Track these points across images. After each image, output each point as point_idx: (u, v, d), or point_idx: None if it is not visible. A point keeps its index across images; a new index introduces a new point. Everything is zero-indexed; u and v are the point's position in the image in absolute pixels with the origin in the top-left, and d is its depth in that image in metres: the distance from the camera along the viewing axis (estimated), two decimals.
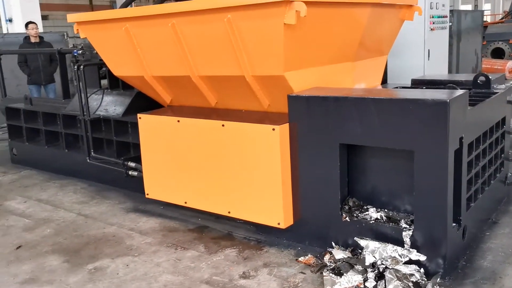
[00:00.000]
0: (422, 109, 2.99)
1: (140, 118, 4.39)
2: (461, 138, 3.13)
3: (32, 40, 8.72)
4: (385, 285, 2.92)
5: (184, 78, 4.18)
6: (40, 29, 10.75)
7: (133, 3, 8.58)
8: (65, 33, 10.90)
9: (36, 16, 11.68)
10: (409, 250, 3.11)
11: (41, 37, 8.94)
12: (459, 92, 3.18)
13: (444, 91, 3.34)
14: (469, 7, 41.73)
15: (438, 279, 3.00)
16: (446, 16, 8.12)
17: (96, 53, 4.94)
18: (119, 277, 3.37)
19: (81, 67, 5.04)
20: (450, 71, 9.31)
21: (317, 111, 3.45)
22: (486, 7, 45.82)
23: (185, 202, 4.19)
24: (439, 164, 2.98)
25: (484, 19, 29.05)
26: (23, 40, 8.82)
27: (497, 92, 4.05)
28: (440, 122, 2.93)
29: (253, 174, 3.69)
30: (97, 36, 4.61)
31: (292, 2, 3.24)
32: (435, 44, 7.70)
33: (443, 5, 7.94)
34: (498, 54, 14.80)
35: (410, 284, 2.92)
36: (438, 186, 3.00)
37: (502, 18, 17.87)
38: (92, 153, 5.20)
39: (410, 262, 3.10)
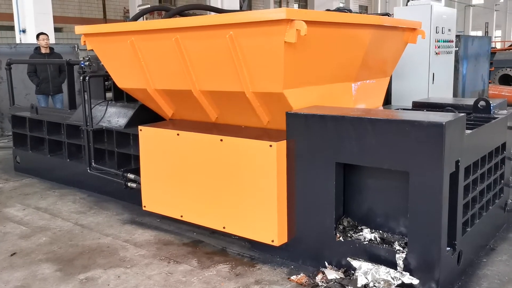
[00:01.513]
0: (418, 130, 2.99)
1: (141, 130, 4.43)
2: (457, 162, 3.12)
3: (43, 51, 8.85)
4: None
5: (186, 92, 4.22)
6: (52, 41, 10.94)
7: (145, 17, 8.70)
8: (76, 45, 11.07)
9: (49, 27, 11.87)
10: (401, 273, 3.08)
11: (51, 48, 9.08)
12: (456, 115, 3.18)
13: (442, 114, 3.34)
14: (479, 33, 41.92)
15: None
16: (452, 41, 8.16)
17: (102, 65, 5.02)
18: None
19: (87, 78, 5.10)
20: (456, 96, 9.33)
21: (315, 129, 3.46)
22: (497, 33, 45.98)
23: (181, 216, 4.19)
24: (433, 186, 2.96)
25: (494, 46, 29.12)
26: (34, 50, 8.96)
27: (497, 117, 4.04)
28: (435, 144, 2.92)
29: (249, 190, 3.69)
30: (103, 48, 4.68)
31: (293, 21, 3.28)
32: (440, 68, 7.73)
33: (449, 30, 7.99)
34: (506, 80, 14.79)
35: None
36: (432, 209, 2.98)
37: (511, 45, 17.89)
38: (93, 163, 5.23)
39: (403, 285, 3.07)
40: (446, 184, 2.99)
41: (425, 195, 3.00)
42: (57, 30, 15.13)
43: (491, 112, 4.15)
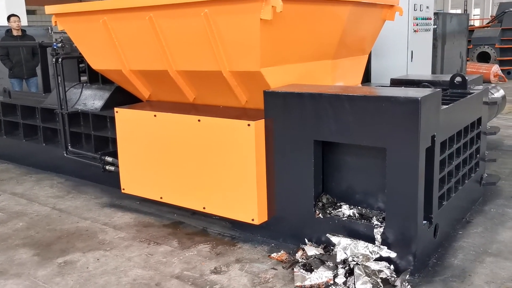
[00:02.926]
0: (394, 106, 3.00)
1: (117, 112, 4.35)
2: (433, 136, 3.15)
3: (14, 33, 8.60)
4: (354, 281, 2.91)
5: (162, 72, 4.15)
6: (24, 23, 10.63)
7: None
8: (49, 27, 10.78)
9: (20, 9, 11.54)
10: (379, 247, 3.12)
11: (23, 31, 8.82)
12: (432, 90, 3.19)
13: (418, 90, 3.35)
14: (458, 11, 42.18)
15: (407, 275, 3.00)
16: (430, 19, 8.17)
17: (76, 46, 4.89)
18: (88, 271, 3.33)
19: (60, 60, 4.98)
20: (434, 73, 9.39)
21: (293, 108, 3.45)
22: (476, 11, 46.34)
23: (161, 198, 4.16)
24: (410, 161, 2.98)
25: (472, 23, 29.33)
26: (5, 33, 8.69)
27: (473, 93, 4.08)
28: (411, 119, 2.93)
29: (228, 170, 3.67)
30: (75, 29, 4.56)
31: None
32: (418, 45, 7.74)
33: (427, 7, 7.98)
34: (484, 58, 14.95)
35: (379, 280, 2.92)
36: (408, 183, 3.01)
37: (488, 23, 18.06)
38: (70, 147, 5.14)
39: (381, 259, 3.11)
40: (422, 159, 3.02)
41: (402, 171, 3.02)
42: (30, 12, 14.72)
43: (467, 88, 4.19)
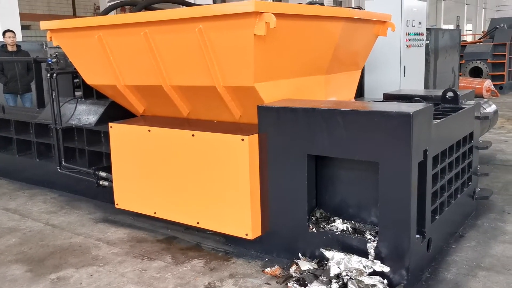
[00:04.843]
0: (386, 121, 3.03)
1: (111, 127, 4.36)
2: (425, 151, 3.17)
3: (9, 48, 8.63)
4: None
5: (157, 87, 4.17)
6: (19, 38, 10.66)
7: (116, 11, 8.57)
8: (44, 43, 10.81)
9: (15, 25, 11.56)
10: (373, 261, 3.12)
11: (18, 46, 8.86)
12: (424, 105, 3.23)
13: (410, 104, 3.39)
14: (451, 26, 42.74)
15: None
16: (423, 34, 8.28)
17: (71, 61, 4.92)
18: (81, 287, 3.31)
19: (54, 75, 4.99)
20: (427, 88, 9.48)
21: (286, 122, 3.47)
22: (468, 27, 46.97)
23: (155, 213, 4.15)
24: (402, 176, 3.00)
25: (465, 39, 29.65)
26: (0, 48, 8.72)
27: (464, 107, 4.12)
28: (403, 134, 2.96)
29: (222, 185, 3.68)
30: (70, 44, 4.59)
31: (262, 13, 3.27)
32: (411, 61, 7.84)
33: (420, 23, 8.10)
34: (476, 73, 15.12)
35: None
36: (401, 197, 3.03)
37: (480, 38, 18.29)
38: (63, 162, 5.13)
39: (374, 273, 3.11)
40: (415, 173, 3.04)
41: (395, 185, 3.04)
42: (25, 27, 14.77)
43: (459, 103, 4.24)
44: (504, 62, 14.74)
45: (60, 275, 3.50)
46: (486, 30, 19.40)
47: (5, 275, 3.54)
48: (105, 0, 22.46)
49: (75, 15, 25.91)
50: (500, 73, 14.79)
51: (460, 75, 13.97)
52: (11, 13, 11.89)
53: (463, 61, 15.09)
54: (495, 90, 14.12)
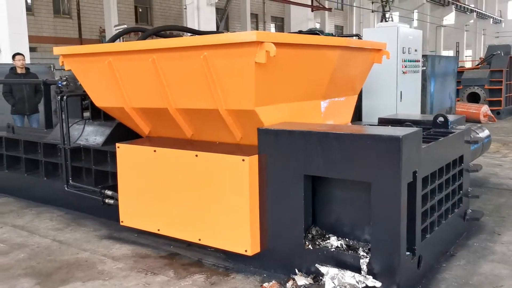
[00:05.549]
0: (378, 144, 3.24)
1: (118, 147, 4.57)
2: (414, 172, 3.37)
3: (19, 71, 8.93)
4: None
5: (162, 110, 4.40)
6: (28, 61, 10.99)
7: (122, 38, 8.90)
8: (51, 65, 11.15)
9: (24, 47, 11.92)
10: (365, 276, 3.29)
11: (27, 68, 9.16)
12: (413, 129, 3.44)
13: (400, 129, 3.60)
14: (451, 52, 43.36)
15: None
16: (419, 61, 8.58)
17: (80, 84, 5.16)
18: None
19: (64, 97, 5.23)
20: (424, 113, 9.73)
21: (285, 144, 3.68)
22: (468, 53, 47.62)
23: (158, 230, 4.33)
24: (392, 195, 3.20)
25: (463, 65, 30.03)
26: (9, 70, 9.03)
27: (454, 132, 4.33)
28: (393, 156, 3.17)
29: (223, 203, 3.87)
30: (81, 69, 4.84)
31: (263, 43, 3.52)
32: (407, 86, 8.12)
33: (416, 50, 8.40)
34: (474, 98, 15.39)
35: None
36: (392, 216, 3.22)
37: (478, 64, 18.65)
38: (71, 181, 5.32)
39: (367, 287, 3.27)
40: (404, 193, 3.24)
41: (385, 204, 3.23)
42: (31, 49, 15.14)
43: (449, 127, 4.45)
44: (501, 88, 15.02)
45: None
46: (483, 57, 19.79)
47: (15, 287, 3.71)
48: (111, 23, 23.06)
49: (80, 38, 26.44)
50: (497, 98, 15.07)
51: (457, 101, 14.25)
52: (20, 36, 12.26)
53: (461, 87, 15.39)
54: (492, 115, 14.38)
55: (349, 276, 3.31)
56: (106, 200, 4.95)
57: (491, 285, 3.57)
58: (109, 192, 4.94)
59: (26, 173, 6.22)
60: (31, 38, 13.71)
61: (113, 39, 5.76)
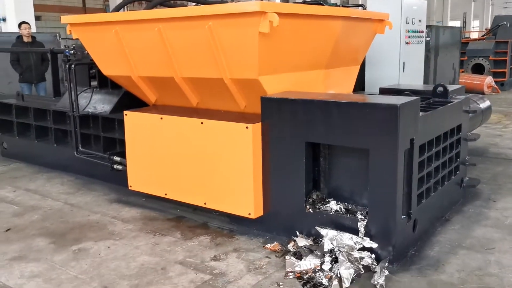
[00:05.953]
0: (376, 112, 3.37)
1: (126, 115, 4.72)
2: (412, 140, 3.51)
3: (25, 39, 9.00)
4: (339, 266, 3.26)
5: (168, 79, 4.52)
6: (33, 29, 11.04)
7: (126, 7, 8.93)
8: (57, 34, 11.19)
9: (29, 16, 11.96)
10: (363, 238, 3.47)
11: (33, 37, 9.23)
12: (411, 98, 3.56)
13: (399, 98, 3.72)
14: (458, 23, 42.71)
15: (386, 263, 3.35)
16: (422, 31, 8.56)
17: (87, 53, 5.27)
18: (100, 256, 3.69)
19: (72, 66, 5.34)
20: (426, 83, 9.77)
21: (287, 112, 3.81)
22: (475, 23, 46.88)
23: (165, 194, 4.51)
24: (390, 162, 3.34)
25: (469, 36, 29.59)
26: (16, 39, 9.10)
27: (453, 101, 4.44)
28: (391, 124, 3.30)
29: (228, 168, 4.03)
30: (88, 37, 4.94)
31: (266, 13, 3.60)
32: (410, 57, 8.13)
33: (420, 21, 8.38)
34: (478, 69, 15.35)
35: (361, 266, 3.28)
36: (388, 182, 3.37)
37: (483, 35, 18.48)
38: (80, 147, 5.50)
39: (364, 249, 3.45)
40: (401, 159, 3.38)
41: (383, 170, 3.38)
42: (36, 18, 15.13)
43: (448, 97, 4.56)
44: (506, 59, 14.97)
45: (81, 247, 3.88)
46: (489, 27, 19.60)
47: (30, 246, 3.93)
48: None
49: (84, 7, 26.26)
50: (502, 70, 15.03)
51: (461, 72, 14.23)
52: (25, 4, 12.27)
53: (466, 58, 15.33)
54: (496, 86, 14.38)
55: (347, 238, 3.49)
56: (115, 166, 5.13)
57: (482, 247, 3.75)
58: (117, 158, 5.12)
59: (37, 139, 6.40)
60: (36, 7, 13.70)
61: (117, 9, 5.82)
